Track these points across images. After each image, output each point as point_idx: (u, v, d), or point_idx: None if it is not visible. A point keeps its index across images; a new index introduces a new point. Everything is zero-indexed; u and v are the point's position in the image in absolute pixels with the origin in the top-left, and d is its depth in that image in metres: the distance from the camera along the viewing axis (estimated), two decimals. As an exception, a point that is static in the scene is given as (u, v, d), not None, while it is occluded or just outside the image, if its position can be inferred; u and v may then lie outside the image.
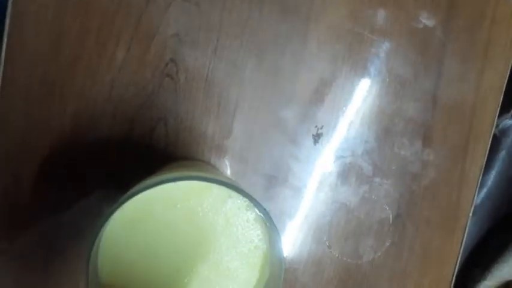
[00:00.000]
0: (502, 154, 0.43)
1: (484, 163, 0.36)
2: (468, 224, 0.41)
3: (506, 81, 0.36)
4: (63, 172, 0.32)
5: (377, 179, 0.35)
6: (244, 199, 0.23)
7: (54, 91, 0.31)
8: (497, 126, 0.43)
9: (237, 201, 0.24)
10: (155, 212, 0.23)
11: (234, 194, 0.23)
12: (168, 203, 0.23)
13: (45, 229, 0.31)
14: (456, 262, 0.37)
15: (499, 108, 0.36)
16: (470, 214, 0.37)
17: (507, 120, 0.43)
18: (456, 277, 0.44)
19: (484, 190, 0.43)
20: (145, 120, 0.32)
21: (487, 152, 0.36)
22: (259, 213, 0.22)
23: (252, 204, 0.22)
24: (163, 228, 0.23)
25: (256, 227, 0.24)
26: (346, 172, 0.35)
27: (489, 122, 0.36)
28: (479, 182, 0.37)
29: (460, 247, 0.37)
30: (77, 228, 0.30)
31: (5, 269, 0.31)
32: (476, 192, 0.37)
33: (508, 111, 0.43)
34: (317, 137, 0.34)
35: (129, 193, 0.20)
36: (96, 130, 0.32)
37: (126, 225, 0.23)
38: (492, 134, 0.37)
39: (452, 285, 0.38)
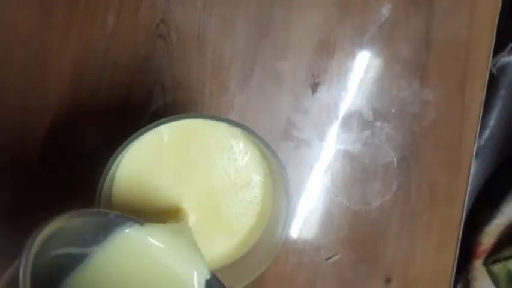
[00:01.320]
0: (502, 93, 0.43)
1: (484, 98, 0.36)
2: (473, 162, 0.41)
3: (498, 14, 0.36)
4: (66, 142, 0.32)
5: (378, 123, 0.35)
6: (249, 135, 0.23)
7: (50, 64, 0.32)
8: (494, 64, 0.43)
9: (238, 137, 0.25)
10: (170, 145, 0.25)
11: (236, 131, 0.24)
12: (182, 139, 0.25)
13: (50, 192, 0.31)
14: (464, 201, 0.37)
15: (493, 42, 0.36)
16: (474, 151, 0.37)
17: (504, 57, 0.43)
18: (466, 220, 0.44)
19: (487, 131, 0.43)
20: (142, 84, 0.32)
21: (486, 87, 0.36)
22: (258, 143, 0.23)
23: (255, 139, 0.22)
24: (177, 161, 0.26)
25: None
26: (347, 119, 0.35)
27: (485, 56, 0.36)
28: (480, 118, 0.37)
29: (467, 185, 0.37)
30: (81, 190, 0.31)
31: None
32: (478, 129, 0.37)
33: (505, 49, 0.43)
34: (315, 87, 0.34)
35: (146, 127, 0.22)
36: (95, 98, 0.32)
37: (141, 156, 0.25)
38: (489, 68, 0.36)
39: (462, 224, 0.38)
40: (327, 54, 0.34)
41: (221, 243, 0.27)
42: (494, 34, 0.36)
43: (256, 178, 0.26)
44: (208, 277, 0.23)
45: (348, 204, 0.36)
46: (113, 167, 0.23)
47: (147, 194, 0.26)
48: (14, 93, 0.31)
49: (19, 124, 0.31)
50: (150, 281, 0.22)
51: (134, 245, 0.22)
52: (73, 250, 0.20)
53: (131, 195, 0.26)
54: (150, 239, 0.22)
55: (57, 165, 0.32)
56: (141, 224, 0.22)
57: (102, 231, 0.21)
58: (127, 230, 0.22)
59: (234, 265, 0.26)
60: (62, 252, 0.20)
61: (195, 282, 0.22)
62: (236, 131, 0.24)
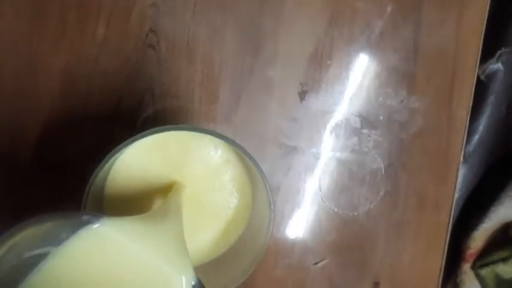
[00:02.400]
0: (491, 99, 0.44)
1: (471, 106, 0.37)
2: (462, 167, 0.41)
3: (484, 23, 0.36)
4: (57, 148, 0.32)
5: (365, 131, 0.36)
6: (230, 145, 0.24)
7: (41, 71, 0.32)
8: (483, 71, 0.44)
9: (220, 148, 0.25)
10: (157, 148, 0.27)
11: (218, 141, 0.24)
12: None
13: (41, 198, 0.32)
14: (451, 207, 0.38)
15: (480, 51, 0.36)
16: (461, 158, 0.37)
17: (493, 65, 0.43)
18: (455, 225, 0.45)
19: (476, 136, 0.44)
20: (132, 92, 0.33)
21: (473, 95, 0.37)
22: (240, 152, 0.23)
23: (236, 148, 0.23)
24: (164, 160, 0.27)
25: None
26: (334, 126, 0.35)
27: (472, 65, 0.37)
28: (467, 126, 0.37)
29: (454, 191, 0.38)
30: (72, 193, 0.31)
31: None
32: (465, 136, 0.37)
33: (493, 56, 0.43)
34: (302, 94, 0.35)
35: (142, 134, 0.23)
36: (86, 105, 0.33)
37: (132, 157, 0.27)
38: (476, 75, 0.37)
39: (449, 230, 0.38)
40: (315, 63, 0.34)
41: (204, 229, 0.28)
42: (481, 43, 0.36)
43: (232, 171, 0.28)
44: (194, 282, 0.21)
45: (335, 209, 0.36)
46: (104, 170, 0.24)
47: (139, 189, 0.27)
48: (6, 100, 0.32)
49: (11, 129, 0.32)
50: (123, 282, 0.20)
51: (100, 242, 0.20)
52: (36, 251, 0.19)
53: (123, 193, 0.27)
54: (119, 233, 0.20)
55: (48, 169, 0.32)
56: (112, 218, 0.21)
57: (69, 230, 0.20)
58: (95, 226, 0.20)
59: (220, 264, 0.27)
60: (29, 255, 0.19)
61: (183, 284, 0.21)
62: (218, 140, 0.25)
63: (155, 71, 0.33)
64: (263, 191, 0.24)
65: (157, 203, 0.28)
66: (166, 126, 0.24)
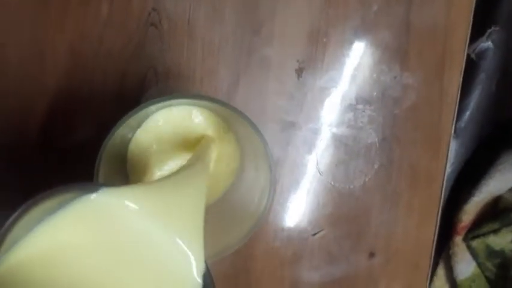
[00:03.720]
0: (481, 77, 0.45)
1: (461, 81, 0.38)
2: (453, 143, 0.43)
3: (474, 0, 0.38)
4: (63, 126, 0.34)
5: (360, 106, 0.37)
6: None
7: (45, 51, 0.33)
8: (473, 50, 0.45)
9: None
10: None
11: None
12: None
13: (49, 177, 0.33)
14: (443, 179, 0.40)
15: (470, 27, 0.38)
16: (452, 132, 0.39)
17: (483, 43, 0.45)
18: (448, 199, 0.47)
19: (467, 113, 0.45)
20: (135, 71, 0.34)
21: (463, 71, 0.38)
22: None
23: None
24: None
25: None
26: (330, 102, 0.37)
27: (462, 41, 0.38)
28: (458, 100, 0.39)
29: (445, 164, 0.39)
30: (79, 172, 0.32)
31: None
32: (456, 111, 0.39)
33: (483, 34, 0.45)
34: (300, 72, 0.36)
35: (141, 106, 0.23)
36: (90, 85, 0.34)
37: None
38: (466, 52, 0.38)
39: (441, 202, 0.40)
40: (311, 41, 0.36)
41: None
42: (471, 19, 0.38)
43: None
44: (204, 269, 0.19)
45: (332, 183, 0.38)
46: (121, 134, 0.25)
47: (168, 147, 0.28)
48: (12, 79, 0.33)
49: (17, 108, 0.33)
50: (121, 259, 0.18)
51: (93, 214, 0.18)
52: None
53: (149, 156, 0.28)
54: (126, 202, 0.18)
55: (55, 148, 0.33)
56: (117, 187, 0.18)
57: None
58: (92, 196, 0.18)
59: (216, 227, 0.28)
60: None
61: (194, 272, 0.18)
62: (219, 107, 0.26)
63: (157, 50, 0.34)
64: (263, 156, 0.25)
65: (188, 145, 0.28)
66: (165, 97, 0.25)
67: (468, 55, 0.42)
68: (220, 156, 0.29)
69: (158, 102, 0.24)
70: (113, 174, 0.28)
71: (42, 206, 0.18)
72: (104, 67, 0.34)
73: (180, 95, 0.24)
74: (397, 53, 0.37)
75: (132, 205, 0.18)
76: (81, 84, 0.34)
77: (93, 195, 0.18)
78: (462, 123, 0.45)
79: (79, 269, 0.18)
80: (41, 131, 0.33)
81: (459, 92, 0.39)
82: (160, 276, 0.18)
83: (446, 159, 0.39)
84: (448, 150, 0.39)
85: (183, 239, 0.18)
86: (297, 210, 0.38)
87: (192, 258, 0.19)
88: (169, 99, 0.24)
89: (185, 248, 0.18)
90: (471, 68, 0.45)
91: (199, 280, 0.19)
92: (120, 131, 0.25)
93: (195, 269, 0.19)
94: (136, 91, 0.34)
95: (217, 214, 0.31)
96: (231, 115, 0.27)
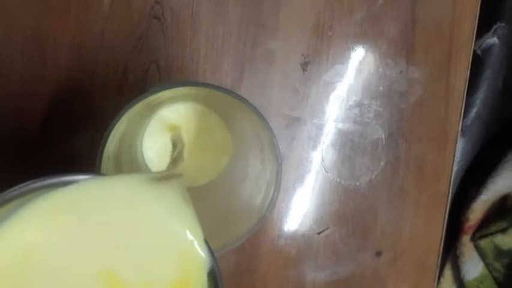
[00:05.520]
0: (487, 73, 0.45)
1: (468, 76, 0.38)
2: (460, 140, 0.42)
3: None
4: (65, 120, 0.33)
5: (366, 101, 0.37)
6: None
7: (47, 44, 0.33)
8: (479, 46, 0.45)
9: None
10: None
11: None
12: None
13: (50, 169, 0.32)
14: (450, 176, 0.39)
15: (476, 21, 0.37)
16: (460, 127, 0.38)
17: (489, 39, 0.44)
18: (455, 198, 0.46)
19: (474, 110, 0.45)
20: (138, 64, 0.34)
21: (470, 65, 0.38)
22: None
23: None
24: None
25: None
26: (336, 97, 0.36)
27: (469, 35, 0.37)
28: (465, 95, 0.38)
29: (453, 160, 0.38)
30: (80, 164, 0.32)
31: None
32: (463, 105, 0.38)
33: (489, 31, 0.44)
34: (305, 66, 0.35)
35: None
36: (92, 78, 0.33)
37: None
38: (472, 46, 0.38)
39: (449, 199, 0.39)
40: (316, 35, 0.35)
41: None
42: (478, 13, 0.37)
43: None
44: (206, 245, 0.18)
45: (338, 180, 0.37)
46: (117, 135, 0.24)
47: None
48: (14, 72, 0.32)
49: (20, 101, 0.32)
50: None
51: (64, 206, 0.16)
52: None
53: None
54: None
55: (57, 140, 0.33)
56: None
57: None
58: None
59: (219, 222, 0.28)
60: None
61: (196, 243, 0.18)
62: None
63: (160, 43, 0.33)
64: (269, 147, 0.24)
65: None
66: (170, 84, 0.24)
67: (474, 51, 0.42)
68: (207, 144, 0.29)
69: (159, 90, 0.23)
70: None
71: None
72: (106, 60, 0.33)
73: (183, 82, 0.24)
74: (403, 47, 0.37)
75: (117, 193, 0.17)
76: (83, 77, 0.33)
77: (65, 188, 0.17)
78: (468, 121, 0.45)
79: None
80: (41, 124, 0.33)
81: (466, 87, 0.38)
82: (161, 255, 0.18)
83: (454, 154, 0.38)
84: (455, 146, 0.38)
85: (176, 218, 0.18)
86: (302, 208, 0.37)
87: (188, 232, 0.18)
88: (171, 87, 0.23)
89: (179, 225, 0.18)
90: (477, 64, 0.45)
91: (203, 254, 0.18)
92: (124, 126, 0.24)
93: (196, 244, 0.18)
94: (138, 85, 0.33)
95: (224, 207, 0.30)
96: (236, 105, 0.26)
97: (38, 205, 0.16)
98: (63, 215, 0.16)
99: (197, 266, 0.18)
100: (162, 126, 0.32)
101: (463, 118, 0.42)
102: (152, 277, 0.17)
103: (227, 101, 0.27)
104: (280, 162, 0.23)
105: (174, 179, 0.19)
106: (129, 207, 0.17)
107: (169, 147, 0.30)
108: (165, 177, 0.19)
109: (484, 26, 0.44)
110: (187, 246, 0.18)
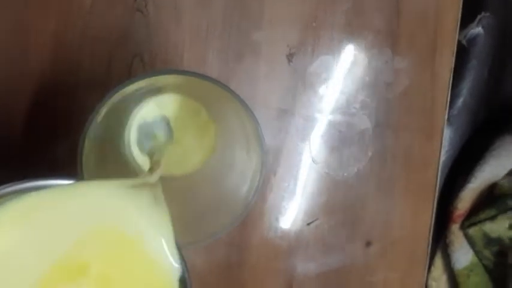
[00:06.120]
0: (473, 63, 0.45)
1: (453, 65, 0.38)
2: (447, 129, 0.42)
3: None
4: (50, 115, 0.33)
5: (352, 92, 0.37)
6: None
7: (29, 39, 0.32)
8: (464, 36, 0.45)
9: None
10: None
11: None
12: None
13: (33, 164, 0.32)
14: (438, 165, 0.39)
15: (460, 10, 0.37)
16: (446, 116, 0.38)
17: (473, 29, 0.44)
18: (443, 187, 0.46)
19: (460, 100, 0.45)
20: (122, 58, 0.33)
21: (455, 54, 0.38)
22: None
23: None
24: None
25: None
26: (322, 88, 0.36)
27: (453, 24, 0.37)
28: (450, 84, 0.38)
29: (440, 149, 0.39)
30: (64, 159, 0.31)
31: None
32: (449, 94, 0.38)
33: (473, 21, 0.44)
34: (290, 57, 0.35)
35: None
36: (76, 73, 0.33)
37: None
38: (457, 35, 0.38)
39: (437, 188, 0.39)
40: (301, 25, 0.35)
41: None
42: (461, 2, 0.37)
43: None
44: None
45: (327, 171, 0.37)
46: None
47: None
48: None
49: (2, 96, 0.32)
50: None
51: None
52: None
53: None
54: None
55: (40, 135, 0.32)
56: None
57: None
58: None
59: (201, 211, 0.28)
60: None
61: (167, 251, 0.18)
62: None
63: (144, 36, 0.33)
64: (253, 135, 0.24)
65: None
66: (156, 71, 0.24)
67: (459, 41, 0.42)
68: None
69: (140, 79, 0.23)
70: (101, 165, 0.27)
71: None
72: (89, 54, 0.33)
73: (164, 70, 0.23)
74: (388, 37, 0.37)
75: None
76: (67, 72, 0.33)
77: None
78: (455, 111, 0.45)
79: None
80: (25, 120, 0.32)
81: (451, 76, 0.38)
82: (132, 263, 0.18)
83: (441, 143, 0.38)
84: (442, 134, 0.38)
85: (149, 226, 0.18)
86: (292, 199, 0.37)
87: (162, 241, 0.18)
88: (153, 75, 0.23)
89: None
90: (463, 54, 0.45)
91: (176, 264, 0.18)
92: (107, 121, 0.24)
93: (169, 254, 0.18)
94: (122, 78, 0.33)
95: (210, 198, 0.30)
96: (220, 95, 0.26)
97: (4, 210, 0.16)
98: (31, 218, 0.16)
99: (169, 275, 0.18)
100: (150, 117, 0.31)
101: (450, 108, 0.43)
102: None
103: (211, 91, 0.27)
104: (264, 149, 0.23)
105: (149, 187, 0.19)
106: (100, 214, 0.18)
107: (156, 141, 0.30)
108: (140, 184, 0.19)
109: (468, 16, 0.44)
110: (159, 255, 0.18)
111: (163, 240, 0.18)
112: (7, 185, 0.18)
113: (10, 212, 0.16)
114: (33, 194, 0.17)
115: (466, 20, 0.44)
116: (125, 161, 0.31)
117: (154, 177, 0.20)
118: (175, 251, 0.18)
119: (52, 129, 0.33)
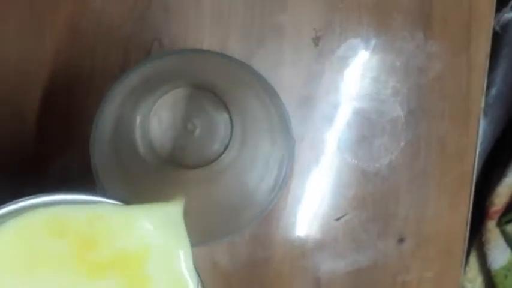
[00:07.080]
0: (506, 50, 0.42)
1: (490, 48, 0.36)
2: (482, 119, 0.40)
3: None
4: (65, 103, 0.31)
5: (382, 77, 0.34)
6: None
7: (45, 23, 0.31)
8: (497, 22, 0.43)
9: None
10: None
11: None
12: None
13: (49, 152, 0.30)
14: (475, 156, 0.36)
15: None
16: (483, 103, 0.36)
17: (506, 14, 0.42)
18: (478, 181, 0.43)
19: (494, 89, 0.43)
20: (140, 44, 0.32)
21: (491, 36, 0.36)
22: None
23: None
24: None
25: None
26: (350, 73, 0.34)
27: (489, 5, 0.35)
28: (487, 69, 0.36)
29: (477, 139, 0.36)
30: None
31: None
32: (486, 80, 0.36)
33: (507, 4, 0.42)
34: (317, 40, 0.33)
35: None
36: (93, 58, 0.31)
37: None
38: (493, 18, 0.36)
39: (473, 181, 0.37)
40: (327, 7, 0.33)
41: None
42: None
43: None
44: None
45: (355, 161, 0.35)
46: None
47: None
48: (11, 56, 0.31)
49: (17, 85, 0.31)
50: None
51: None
52: None
53: None
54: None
55: (56, 123, 0.31)
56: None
57: None
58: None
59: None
60: None
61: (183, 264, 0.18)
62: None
63: (163, 20, 0.31)
64: (279, 122, 0.23)
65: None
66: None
67: (493, 27, 0.40)
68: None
69: (155, 59, 0.21)
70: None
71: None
72: (106, 40, 0.31)
73: (186, 50, 0.22)
74: (420, 18, 0.34)
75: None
76: (82, 61, 0.32)
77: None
78: (489, 100, 0.42)
79: None
80: (40, 110, 0.31)
81: (488, 61, 0.36)
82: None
83: (478, 132, 0.36)
84: (478, 123, 0.36)
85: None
86: (317, 192, 0.35)
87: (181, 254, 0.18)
88: (174, 53, 0.22)
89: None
90: (495, 40, 0.42)
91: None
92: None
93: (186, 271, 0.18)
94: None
95: (234, 192, 0.28)
96: (243, 82, 0.25)
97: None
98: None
99: None
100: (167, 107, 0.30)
101: (485, 96, 0.40)
102: None
103: (234, 78, 0.25)
104: (291, 131, 0.21)
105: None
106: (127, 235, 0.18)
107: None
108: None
109: (501, 1, 0.42)
110: (178, 272, 0.18)
111: (181, 256, 0.18)
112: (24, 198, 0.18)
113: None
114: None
115: (499, 4, 0.41)
116: (136, 152, 0.29)
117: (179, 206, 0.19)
118: (192, 269, 0.18)
119: (68, 116, 0.31)
